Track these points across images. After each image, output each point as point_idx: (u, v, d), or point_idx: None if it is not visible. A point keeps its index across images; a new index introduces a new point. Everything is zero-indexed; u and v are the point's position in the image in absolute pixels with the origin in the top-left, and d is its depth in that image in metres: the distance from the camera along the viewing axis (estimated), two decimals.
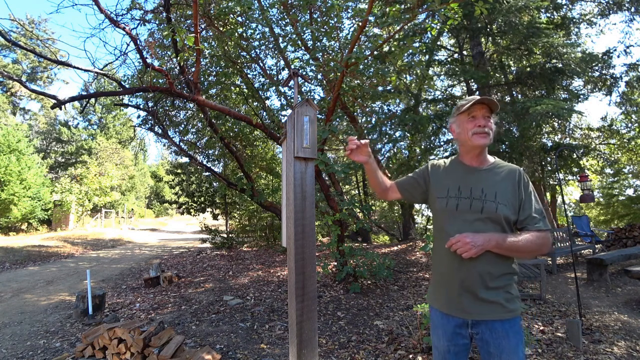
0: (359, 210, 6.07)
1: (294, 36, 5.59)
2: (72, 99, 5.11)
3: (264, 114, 6.59)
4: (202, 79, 6.38)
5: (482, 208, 1.32)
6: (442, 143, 8.09)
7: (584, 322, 3.49)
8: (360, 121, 7.48)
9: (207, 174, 10.75)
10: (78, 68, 5.24)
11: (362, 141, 1.49)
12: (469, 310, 1.33)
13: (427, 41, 7.43)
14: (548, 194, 11.57)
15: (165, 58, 6.50)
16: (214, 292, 5.36)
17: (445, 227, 1.38)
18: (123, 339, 2.75)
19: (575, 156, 6.97)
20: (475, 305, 1.31)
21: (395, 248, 9.22)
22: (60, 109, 5.01)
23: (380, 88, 6.19)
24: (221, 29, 6.07)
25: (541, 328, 3.47)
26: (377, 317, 3.99)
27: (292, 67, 5.83)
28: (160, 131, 7.83)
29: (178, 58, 4.94)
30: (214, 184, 11.92)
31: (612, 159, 11.33)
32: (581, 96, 8.02)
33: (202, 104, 5.59)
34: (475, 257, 1.25)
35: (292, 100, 5.24)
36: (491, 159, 1.44)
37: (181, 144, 8.63)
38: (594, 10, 8.48)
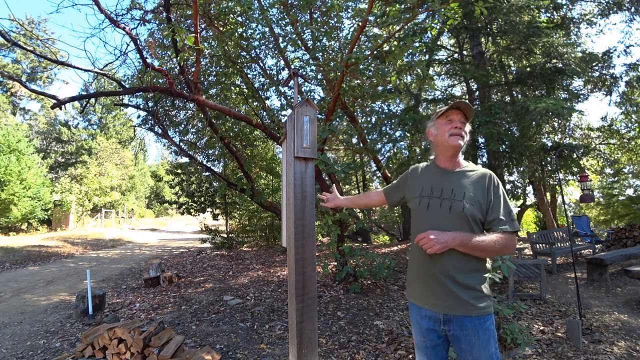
0: (359, 210, 6.07)
1: (294, 36, 5.59)
2: (72, 99, 5.11)
3: (264, 114, 6.59)
4: (202, 79, 6.38)
5: (450, 207, 1.39)
6: None
7: (584, 322, 3.49)
8: (360, 121, 7.48)
9: (207, 174, 10.76)
10: (78, 68, 5.25)
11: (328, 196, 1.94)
12: (438, 303, 1.40)
13: (427, 41, 7.42)
14: (548, 194, 11.56)
15: (165, 58, 6.50)
16: (214, 292, 5.36)
17: (418, 225, 1.48)
18: (123, 339, 2.75)
19: (575, 156, 6.96)
20: (444, 298, 1.39)
21: (395, 248, 9.21)
22: (60, 109, 5.01)
23: (380, 88, 6.19)
24: (221, 29, 6.07)
25: (541, 328, 3.47)
26: (377, 317, 3.99)
27: (292, 67, 5.83)
28: (160, 131, 7.83)
29: (178, 58, 4.94)
30: (214, 184, 11.93)
31: (612, 159, 11.32)
32: (581, 96, 8.02)
33: (202, 104, 5.59)
34: (444, 254, 1.34)
35: (292, 100, 5.24)
36: (464, 162, 1.52)
37: (181, 144, 8.63)
38: (594, 10, 8.48)
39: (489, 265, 1.43)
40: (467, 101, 1.46)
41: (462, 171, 1.48)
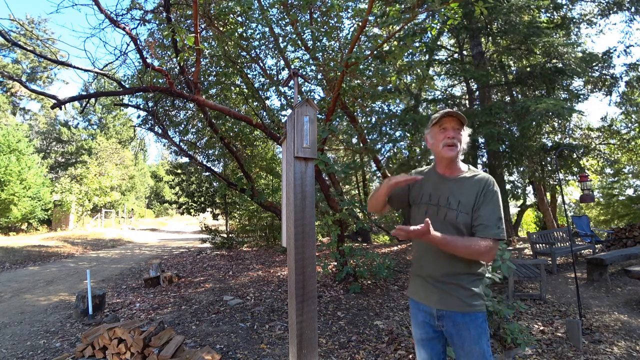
0: (359, 210, 6.07)
1: (294, 36, 5.59)
2: (72, 99, 5.11)
3: (264, 114, 6.59)
4: (202, 79, 6.38)
5: (445, 215, 1.45)
6: None
7: (584, 322, 3.49)
8: (360, 121, 7.48)
9: (207, 174, 10.76)
10: (78, 68, 5.25)
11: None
12: (430, 298, 1.48)
13: (427, 41, 7.42)
14: (548, 194, 11.56)
15: (165, 58, 6.50)
16: (214, 292, 5.36)
17: None
18: (123, 339, 2.75)
19: (575, 156, 6.97)
20: (433, 295, 1.47)
21: (395, 248, 9.21)
22: (60, 109, 5.01)
23: (380, 88, 6.18)
24: (221, 29, 6.07)
25: (541, 328, 3.47)
26: (377, 317, 3.99)
27: (292, 67, 5.83)
28: (160, 131, 7.82)
29: (178, 58, 4.94)
30: (214, 184, 11.92)
31: (612, 159, 11.32)
32: (581, 96, 8.03)
33: (202, 104, 5.59)
34: (434, 259, 1.45)
35: (292, 100, 5.24)
36: (464, 168, 1.52)
37: (181, 144, 8.63)
38: (594, 10, 8.48)
39: (481, 270, 1.46)
40: (457, 111, 1.47)
41: (459, 178, 1.48)
